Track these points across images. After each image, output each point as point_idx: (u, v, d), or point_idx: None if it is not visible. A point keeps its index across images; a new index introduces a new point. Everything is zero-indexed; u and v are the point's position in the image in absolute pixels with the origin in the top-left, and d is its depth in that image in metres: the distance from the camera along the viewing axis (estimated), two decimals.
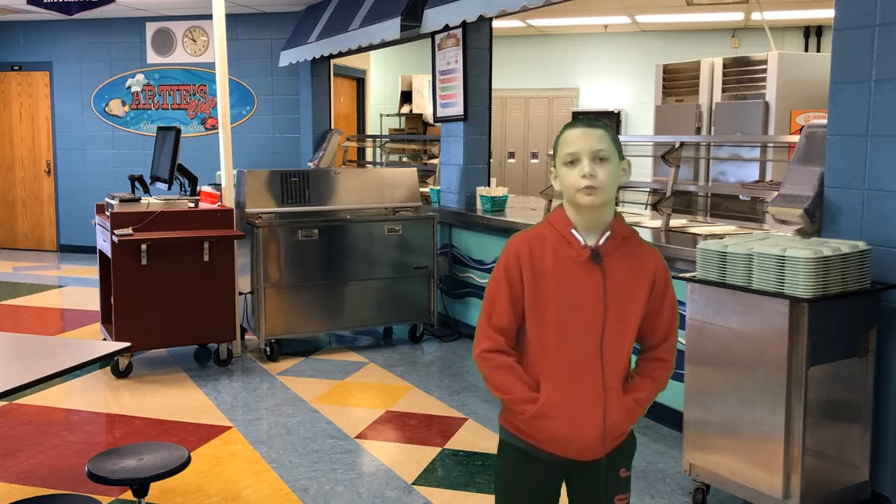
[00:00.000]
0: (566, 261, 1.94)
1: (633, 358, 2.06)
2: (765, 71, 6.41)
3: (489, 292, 2.01)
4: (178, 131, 5.61)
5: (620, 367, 1.97)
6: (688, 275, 3.36)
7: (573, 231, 1.95)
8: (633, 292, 1.95)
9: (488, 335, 1.98)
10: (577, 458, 1.98)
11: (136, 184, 5.84)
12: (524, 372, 1.97)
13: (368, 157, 10.42)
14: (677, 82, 7.35)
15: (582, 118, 1.99)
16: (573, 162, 1.91)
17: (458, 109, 6.29)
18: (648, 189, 6.02)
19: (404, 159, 9.93)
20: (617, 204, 6.32)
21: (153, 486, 2.83)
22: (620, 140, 2.00)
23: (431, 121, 9.03)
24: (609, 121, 11.58)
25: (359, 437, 4.19)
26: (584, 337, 1.93)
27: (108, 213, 5.22)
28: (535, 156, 11.89)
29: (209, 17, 6.00)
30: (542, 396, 1.94)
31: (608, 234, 1.95)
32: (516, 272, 1.96)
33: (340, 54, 8.15)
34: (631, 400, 1.97)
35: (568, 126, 1.96)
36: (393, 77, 11.67)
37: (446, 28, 6.14)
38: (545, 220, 2.03)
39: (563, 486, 2.10)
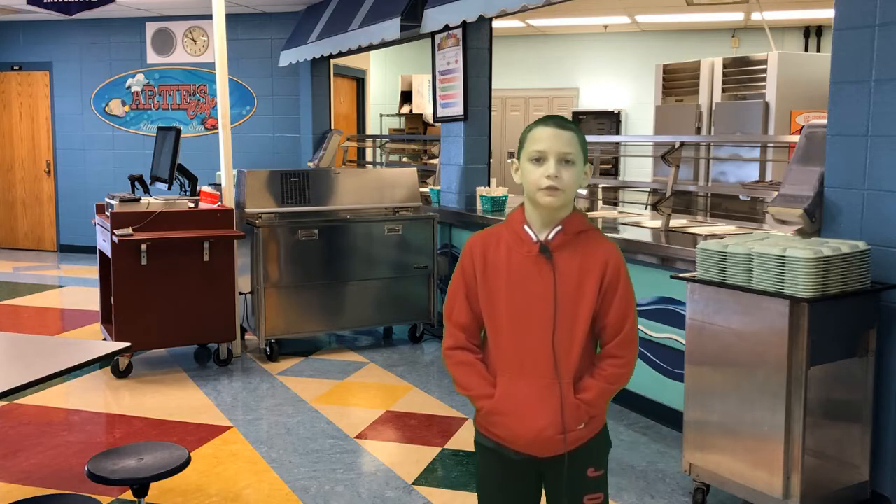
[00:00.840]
0: (518, 256, 1.96)
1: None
2: (765, 71, 6.41)
3: (449, 291, 2.05)
4: (178, 131, 5.61)
5: (573, 362, 1.94)
6: (688, 275, 3.36)
7: (525, 227, 1.98)
8: (582, 287, 1.94)
9: (450, 333, 2.03)
10: (535, 455, 1.97)
11: (136, 184, 5.84)
12: (485, 368, 1.99)
13: (368, 157, 10.42)
14: (677, 82, 7.35)
15: (554, 116, 1.97)
16: (539, 160, 1.92)
17: (458, 109, 6.29)
18: (648, 189, 6.02)
19: (404, 159, 9.93)
20: (616, 203, 6.31)
21: (153, 486, 2.83)
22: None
23: (431, 121, 9.03)
24: (609, 121, 11.59)
25: (359, 437, 4.19)
26: (536, 332, 1.94)
27: (108, 213, 5.22)
28: None
29: (209, 17, 6.01)
30: (497, 392, 1.96)
31: (559, 228, 1.96)
32: (470, 269, 2.01)
33: (340, 54, 8.14)
34: (577, 398, 1.94)
35: (539, 122, 1.96)
36: (393, 77, 11.67)
37: (446, 28, 6.13)
38: (506, 217, 2.06)
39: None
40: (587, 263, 1.95)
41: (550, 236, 1.96)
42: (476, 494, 2.19)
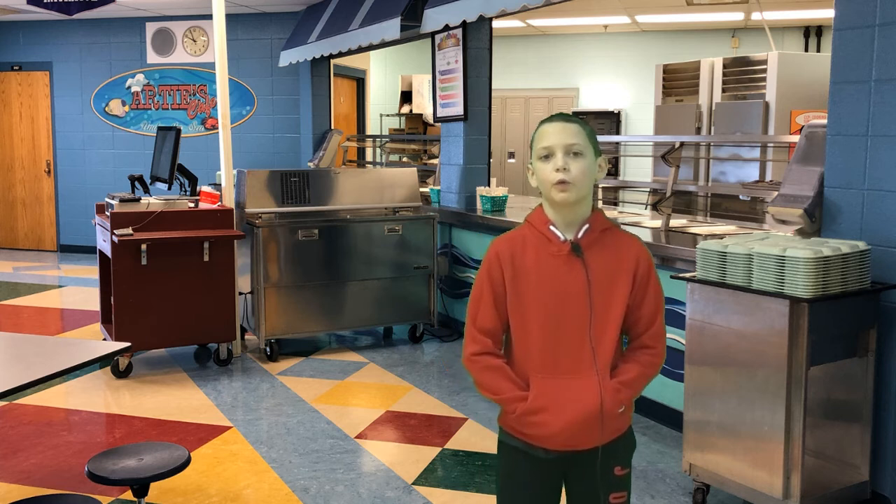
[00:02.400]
0: (547, 257, 1.96)
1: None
2: (765, 71, 6.41)
3: (473, 296, 2.03)
4: (178, 131, 5.61)
5: (608, 357, 1.97)
6: (688, 275, 3.36)
7: (552, 227, 1.98)
8: (615, 282, 1.97)
9: (475, 338, 2.01)
10: (573, 448, 1.97)
11: (136, 184, 5.84)
12: (512, 371, 1.99)
13: (368, 157, 10.42)
14: (677, 82, 7.35)
15: (559, 114, 2.00)
16: (548, 156, 1.93)
17: (458, 109, 6.29)
18: (648, 189, 6.02)
19: (404, 159, 9.94)
20: (616, 203, 6.32)
21: (153, 486, 2.83)
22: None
23: (431, 121, 9.03)
24: (609, 121, 11.59)
25: (359, 437, 4.19)
26: (573, 330, 1.95)
27: (108, 213, 5.22)
28: None
29: (209, 17, 6.01)
30: (531, 393, 1.95)
31: (587, 226, 1.97)
32: (498, 274, 1.99)
33: (340, 54, 8.15)
34: (616, 382, 1.96)
35: (544, 121, 1.98)
36: (393, 77, 11.68)
37: (446, 28, 6.13)
38: (525, 220, 2.05)
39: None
40: (618, 259, 1.98)
41: (580, 235, 1.97)
42: (496, 496, 2.17)
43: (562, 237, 1.96)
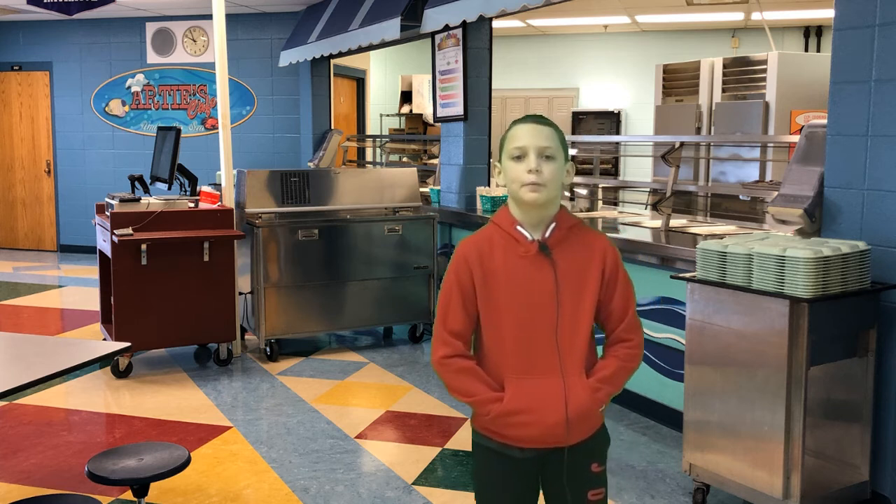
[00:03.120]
0: (515, 258, 1.97)
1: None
2: (765, 71, 6.41)
3: (442, 298, 2.03)
4: (178, 131, 5.61)
5: (579, 355, 1.97)
6: (688, 275, 3.36)
7: (518, 227, 1.98)
8: (584, 279, 1.97)
9: (445, 341, 2.00)
10: (543, 446, 1.98)
11: (136, 184, 5.84)
12: (484, 373, 1.99)
13: (368, 157, 10.42)
14: (677, 82, 7.35)
15: (531, 115, 2.00)
16: (520, 157, 1.93)
17: (458, 109, 6.29)
18: (648, 189, 6.03)
19: (404, 159, 9.94)
20: (616, 203, 6.32)
21: (153, 486, 2.83)
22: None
23: (431, 121, 9.03)
24: (609, 121, 11.59)
25: (359, 437, 4.19)
26: (540, 330, 1.95)
27: (108, 213, 5.22)
28: None
29: (209, 17, 6.01)
30: (506, 394, 1.96)
31: (553, 224, 1.98)
32: (466, 276, 1.99)
33: (340, 54, 8.15)
34: (594, 380, 1.97)
35: (517, 122, 1.98)
36: (393, 77, 11.68)
37: (446, 28, 6.13)
38: (490, 221, 2.05)
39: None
40: (586, 256, 1.98)
41: (547, 234, 1.97)
42: (474, 496, 2.19)
43: (529, 237, 1.97)
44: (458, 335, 2.00)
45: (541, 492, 2.11)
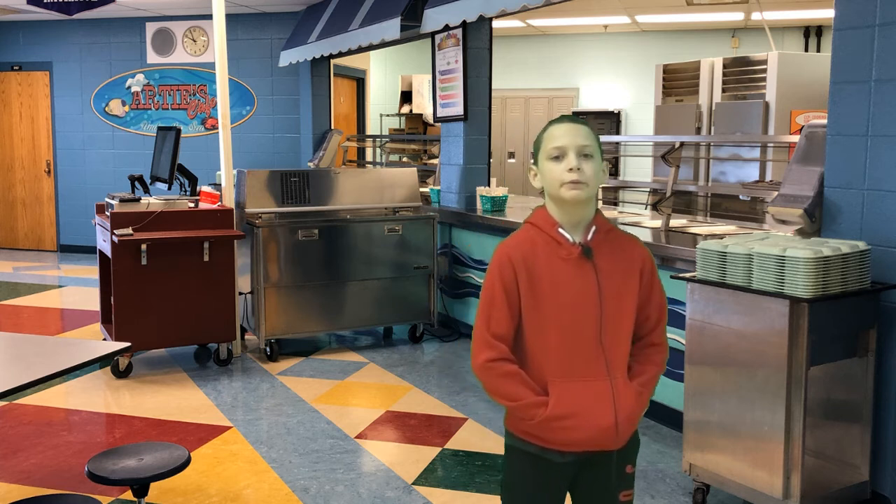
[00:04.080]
0: (557, 261, 1.95)
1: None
2: (765, 71, 6.41)
3: (484, 301, 1.99)
4: (178, 131, 5.61)
5: (622, 358, 1.99)
6: (688, 275, 3.36)
7: (560, 230, 1.97)
8: (625, 284, 1.98)
9: (490, 344, 1.96)
10: (596, 450, 1.98)
11: (136, 184, 5.84)
12: (528, 377, 1.97)
13: (368, 157, 10.42)
14: (677, 82, 7.35)
15: (566, 115, 2.01)
16: (559, 157, 1.93)
17: (458, 109, 6.29)
18: (648, 189, 6.02)
19: (404, 159, 9.93)
20: (616, 203, 6.32)
21: (153, 486, 2.83)
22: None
23: (431, 121, 9.03)
24: (609, 121, 11.59)
25: (359, 437, 4.19)
26: (584, 334, 1.94)
27: (108, 213, 5.22)
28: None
29: (209, 17, 6.01)
30: (551, 399, 1.94)
31: (594, 228, 1.98)
32: (511, 278, 1.95)
33: (340, 54, 8.15)
34: (637, 384, 1.99)
35: (554, 122, 1.98)
36: (393, 77, 11.68)
37: (446, 28, 6.13)
38: (527, 223, 2.02)
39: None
40: (626, 261, 1.99)
41: (589, 236, 1.97)
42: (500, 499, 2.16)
43: (571, 239, 1.96)
44: (502, 338, 1.96)
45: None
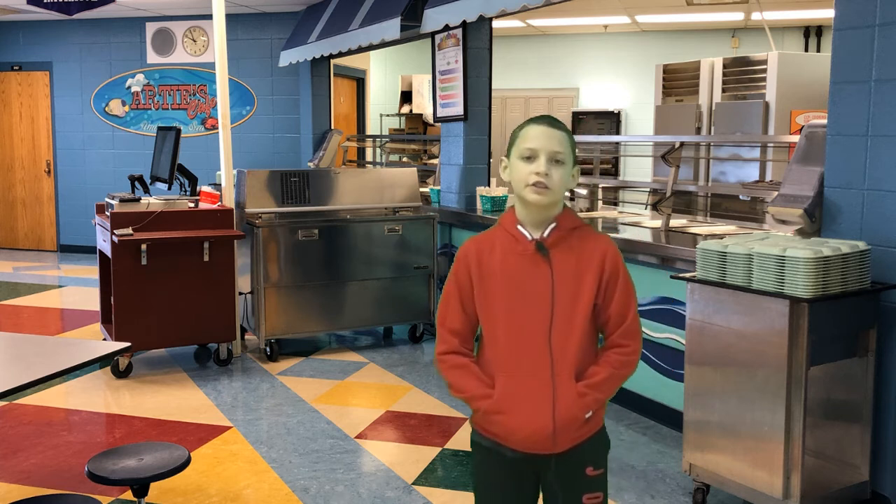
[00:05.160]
0: (513, 256, 1.98)
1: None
2: (765, 71, 6.41)
3: (443, 297, 2.07)
4: (178, 131, 5.61)
5: (571, 358, 1.95)
6: (688, 275, 3.36)
7: (519, 227, 1.99)
8: (581, 281, 1.96)
9: (443, 338, 2.04)
10: (530, 451, 1.97)
11: (136, 184, 5.84)
12: (482, 370, 2.01)
13: (368, 157, 10.42)
14: (677, 82, 7.35)
15: (546, 116, 1.99)
16: (530, 157, 1.94)
17: (458, 109, 6.29)
18: (648, 189, 6.02)
19: (404, 159, 9.93)
20: (616, 203, 6.31)
21: (153, 486, 2.83)
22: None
23: (431, 121, 9.03)
24: (609, 121, 11.59)
25: (359, 437, 4.19)
26: (533, 329, 1.95)
27: (108, 213, 5.22)
28: None
29: (209, 17, 6.01)
30: (496, 392, 1.97)
31: (553, 225, 1.98)
32: (465, 275, 2.02)
33: (340, 54, 8.15)
34: (582, 385, 1.95)
35: (531, 122, 1.98)
36: (393, 77, 11.68)
37: (446, 28, 6.13)
38: (498, 221, 2.06)
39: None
40: (584, 258, 1.97)
41: (546, 234, 1.97)
42: (473, 494, 2.19)
43: (528, 236, 1.98)
44: (457, 333, 2.03)
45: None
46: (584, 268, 1.96)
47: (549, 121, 1.97)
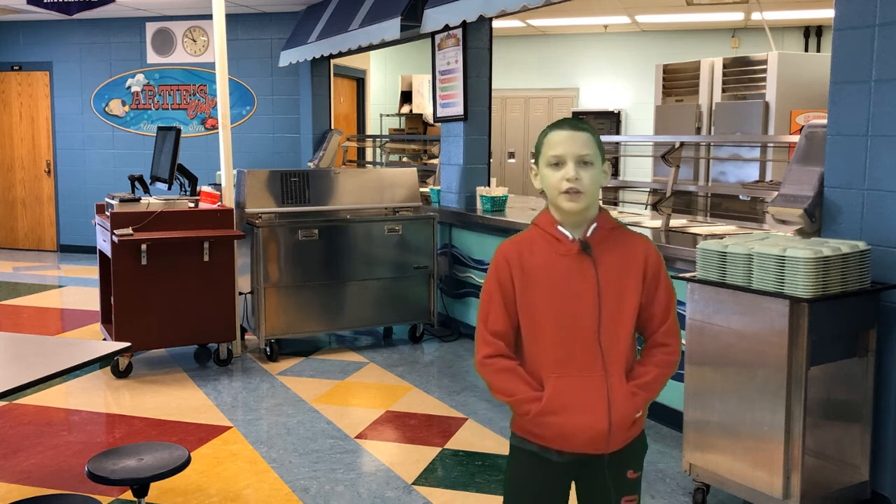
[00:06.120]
0: (556, 257, 1.96)
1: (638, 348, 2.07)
2: (765, 71, 6.41)
3: (483, 299, 2.03)
4: (178, 131, 5.61)
5: (621, 356, 1.96)
6: (688, 275, 3.36)
7: (560, 227, 1.98)
8: (625, 280, 1.96)
9: (487, 341, 2.00)
10: (586, 452, 1.96)
11: (136, 184, 5.84)
12: (525, 373, 1.98)
13: (368, 157, 10.42)
14: (677, 82, 7.35)
15: (568, 119, 1.98)
16: (558, 164, 1.93)
17: (458, 109, 6.29)
18: (648, 189, 6.02)
19: (404, 159, 9.93)
20: (616, 203, 6.32)
21: (153, 486, 2.83)
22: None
23: (431, 121, 9.03)
24: (609, 121, 11.59)
25: (359, 437, 4.19)
26: (582, 329, 1.94)
27: (108, 213, 5.22)
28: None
29: (209, 17, 6.01)
30: (545, 393, 1.94)
31: (595, 225, 1.97)
32: (507, 276, 1.99)
33: (340, 54, 8.15)
34: (633, 385, 1.96)
35: (553, 127, 1.97)
36: (393, 77, 11.68)
37: (446, 28, 6.13)
38: (532, 224, 2.05)
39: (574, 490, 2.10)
40: (627, 257, 1.97)
41: (589, 233, 1.97)
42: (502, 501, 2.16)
43: (570, 236, 1.96)
44: (500, 335, 1.99)
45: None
46: (627, 267, 1.97)
47: (572, 123, 1.95)
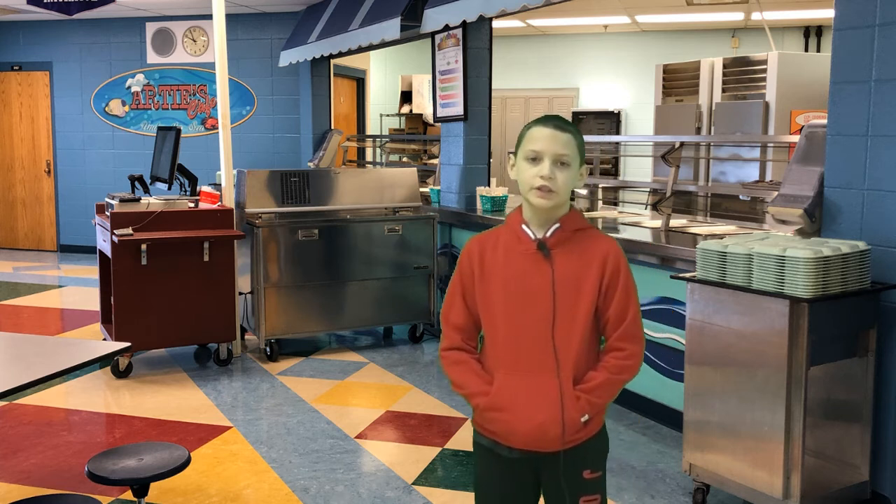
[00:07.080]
0: (516, 255, 1.99)
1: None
2: (765, 71, 6.41)
3: (447, 293, 2.09)
4: (178, 131, 5.61)
5: (573, 358, 1.95)
6: (688, 275, 3.36)
7: (523, 226, 2.00)
8: (582, 282, 1.95)
9: (446, 334, 2.07)
10: (533, 450, 1.97)
11: (136, 184, 5.84)
12: (482, 367, 2.02)
13: (368, 157, 10.42)
14: (677, 82, 7.35)
15: (554, 117, 1.97)
16: (535, 159, 1.93)
17: (458, 109, 6.29)
18: (648, 189, 6.02)
19: (404, 159, 9.93)
20: (616, 203, 6.32)
21: (153, 486, 2.83)
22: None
23: (431, 121, 9.03)
24: (609, 121, 11.59)
25: (359, 437, 4.19)
26: (534, 328, 1.95)
27: (108, 213, 5.22)
28: None
29: (209, 17, 6.01)
30: (493, 388, 1.97)
31: (556, 226, 1.98)
32: (468, 271, 2.03)
33: (340, 54, 8.15)
34: (578, 389, 1.94)
35: (538, 122, 1.97)
36: (393, 77, 11.68)
37: (446, 28, 6.13)
38: (504, 220, 2.08)
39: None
40: (586, 260, 1.97)
41: (548, 234, 1.97)
42: (473, 494, 2.19)
43: (532, 236, 1.98)
44: (459, 329, 2.04)
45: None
46: (585, 269, 1.96)
47: (556, 122, 1.95)
